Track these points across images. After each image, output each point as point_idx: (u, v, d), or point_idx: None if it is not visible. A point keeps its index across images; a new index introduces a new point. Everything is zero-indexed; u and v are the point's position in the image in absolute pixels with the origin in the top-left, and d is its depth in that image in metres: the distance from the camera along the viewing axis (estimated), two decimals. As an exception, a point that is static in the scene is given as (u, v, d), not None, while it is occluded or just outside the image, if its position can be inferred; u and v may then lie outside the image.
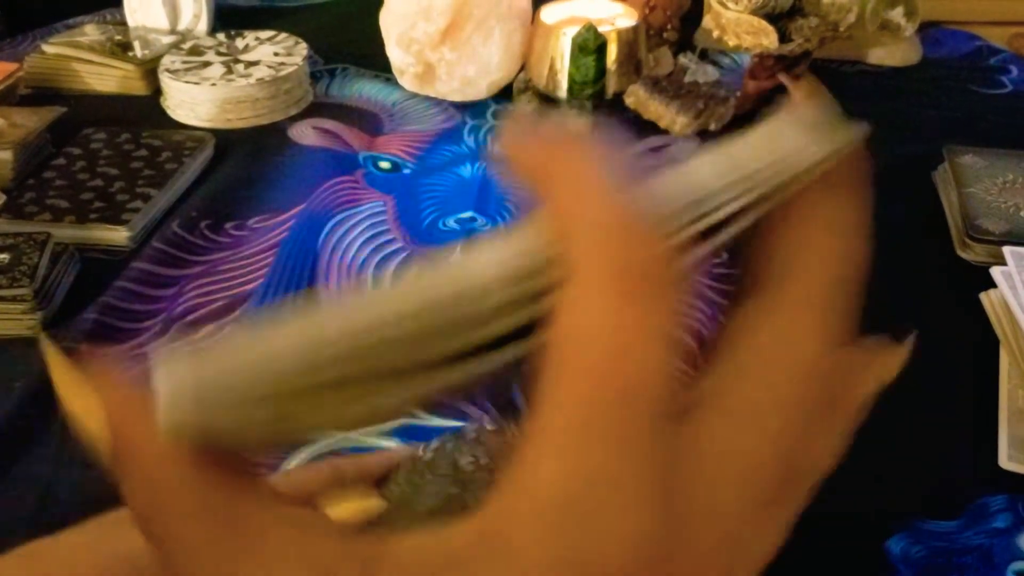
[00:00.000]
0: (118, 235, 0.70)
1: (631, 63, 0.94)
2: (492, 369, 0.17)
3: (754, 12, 0.86)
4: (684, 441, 0.17)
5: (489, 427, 0.27)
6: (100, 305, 0.63)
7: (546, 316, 0.16)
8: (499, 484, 0.16)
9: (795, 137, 0.18)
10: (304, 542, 0.17)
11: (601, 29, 0.87)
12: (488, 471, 0.27)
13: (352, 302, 0.16)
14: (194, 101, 0.88)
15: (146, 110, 0.92)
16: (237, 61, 0.92)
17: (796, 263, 0.18)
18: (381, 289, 0.17)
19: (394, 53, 0.94)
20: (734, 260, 0.60)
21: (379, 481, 0.29)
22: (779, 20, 0.88)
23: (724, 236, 0.18)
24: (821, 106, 0.19)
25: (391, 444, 0.52)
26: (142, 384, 0.17)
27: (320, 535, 0.17)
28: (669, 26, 1.00)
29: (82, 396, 0.17)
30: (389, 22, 0.93)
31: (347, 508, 0.26)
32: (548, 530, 0.16)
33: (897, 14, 1.00)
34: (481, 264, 0.17)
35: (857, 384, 0.20)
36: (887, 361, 0.20)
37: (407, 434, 0.52)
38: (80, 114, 0.87)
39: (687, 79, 0.95)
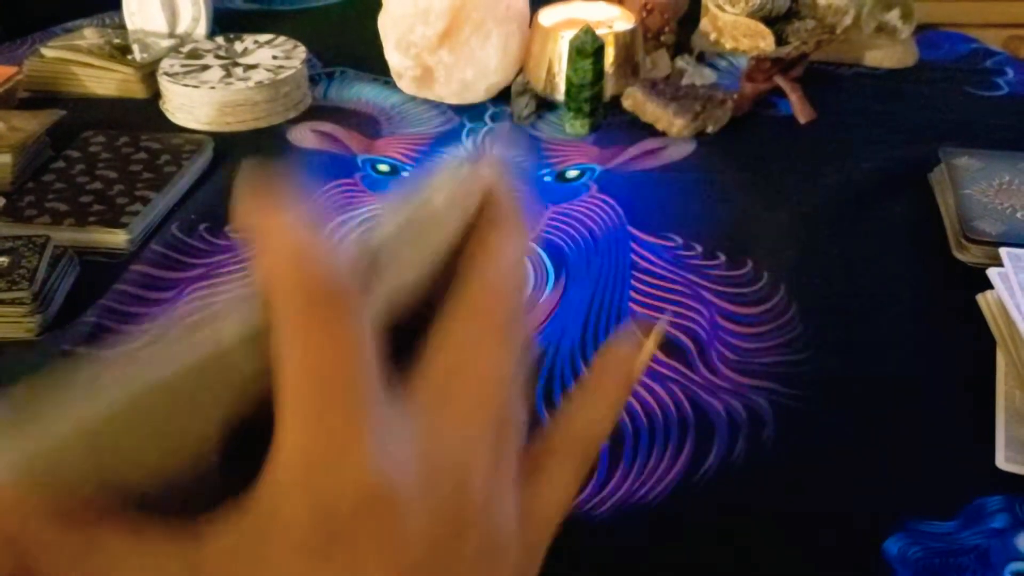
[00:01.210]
0: (117, 238, 0.70)
1: (628, 66, 0.94)
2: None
3: (751, 15, 0.86)
4: (401, 408, 0.21)
5: None
6: (99, 308, 0.64)
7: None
8: (265, 465, 0.20)
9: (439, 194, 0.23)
10: (146, 553, 0.20)
11: (599, 32, 0.87)
12: None
13: (121, 369, 0.20)
14: (193, 104, 0.88)
15: (145, 113, 0.92)
16: (236, 64, 0.93)
17: (470, 281, 0.23)
18: (147, 353, 0.20)
19: (392, 56, 0.95)
20: (732, 262, 0.60)
21: None
22: (776, 23, 0.88)
23: (400, 267, 0.22)
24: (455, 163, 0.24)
25: None
26: None
27: (159, 544, 0.20)
28: (666, 29, 1.00)
29: None
30: (387, 25, 0.94)
31: None
32: (300, 489, 0.19)
33: (893, 16, 1.00)
34: (227, 329, 0.20)
35: (625, 365, 0.26)
36: (647, 345, 0.27)
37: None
38: (79, 117, 0.87)
39: (684, 81, 0.95)
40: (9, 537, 0.20)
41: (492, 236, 0.24)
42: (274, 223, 0.21)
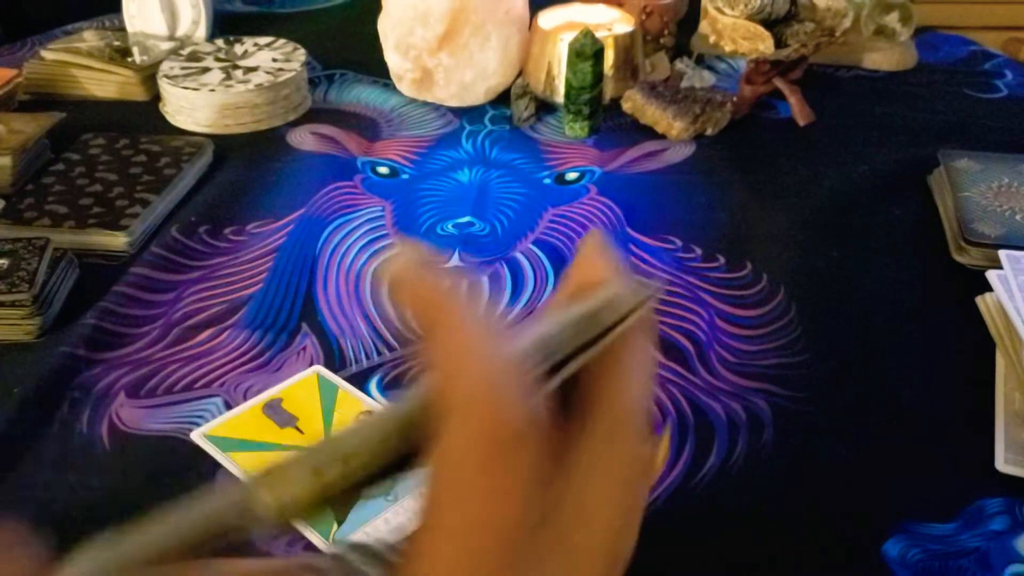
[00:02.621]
0: (117, 240, 0.70)
1: (628, 68, 0.94)
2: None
3: (750, 18, 0.87)
4: (537, 551, 0.21)
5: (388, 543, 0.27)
6: (99, 310, 0.63)
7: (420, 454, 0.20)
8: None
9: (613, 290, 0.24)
10: None
11: (598, 35, 0.87)
12: None
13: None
14: (193, 107, 0.88)
15: (145, 116, 0.92)
16: (236, 67, 0.93)
17: (613, 384, 0.23)
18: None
19: (392, 59, 0.95)
20: (731, 265, 0.60)
21: None
22: (775, 25, 0.88)
23: (566, 371, 0.22)
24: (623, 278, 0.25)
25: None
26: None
27: None
28: (666, 32, 1.00)
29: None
30: (387, 28, 0.94)
31: None
32: None
33: (892, 19, 1.00)
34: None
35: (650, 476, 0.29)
36: (660, 452, 0.30)
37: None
38: (79, 120, 0.87)
39: (684, 84, 0.95)
40: None
41: (626, 355, 0.23)
42: (462, 337, 0.20)
